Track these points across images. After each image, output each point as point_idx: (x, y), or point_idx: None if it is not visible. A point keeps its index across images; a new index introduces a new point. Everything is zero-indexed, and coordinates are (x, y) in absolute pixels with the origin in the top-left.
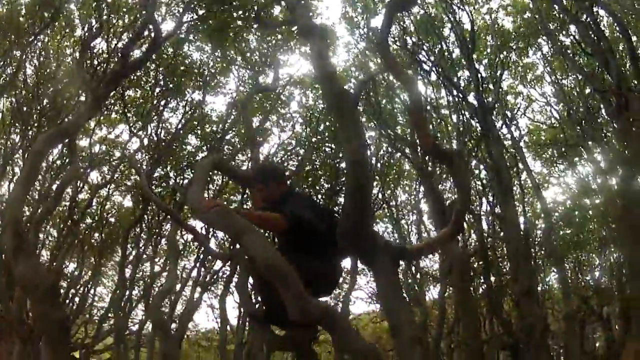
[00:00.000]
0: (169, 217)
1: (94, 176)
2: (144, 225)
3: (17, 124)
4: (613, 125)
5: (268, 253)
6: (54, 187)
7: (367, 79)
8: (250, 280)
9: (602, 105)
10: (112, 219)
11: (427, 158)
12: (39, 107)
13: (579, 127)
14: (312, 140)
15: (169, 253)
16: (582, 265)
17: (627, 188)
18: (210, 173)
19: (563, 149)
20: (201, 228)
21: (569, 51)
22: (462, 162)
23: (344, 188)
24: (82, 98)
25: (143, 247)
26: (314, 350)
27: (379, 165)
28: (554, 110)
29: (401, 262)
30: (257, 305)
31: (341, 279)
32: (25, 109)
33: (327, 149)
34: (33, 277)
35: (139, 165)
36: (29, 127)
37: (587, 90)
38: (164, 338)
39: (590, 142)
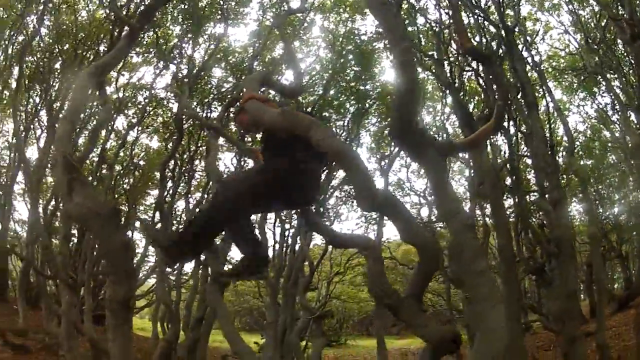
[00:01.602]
0: (199, 151)
1: (119, 123)
2: (177, 163)
3: (36, 85)
4: (629, 58)
5: (338, 142)
6: (80, 140)
7: None
8: None
9: (617, 38)
10: (142, 162)
11: (453, 73)
12: (57, 66)
13: (596, 57)
14: (336, 64)
15: (211, 177)
16: (602, 199)
17: None
18: None
19: (582, 77)
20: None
21: None
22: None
23: (369, 110)
24: (102, 47)
25: (176, 184)
26: None
27: None
28: (571, 39)
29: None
30: None
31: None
32: (42, 70)
33: (351, 73)
34: (93, 205)
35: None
36: (49, 87)
37: (604, 22)
38: (212, 260)
39: (608, 75)
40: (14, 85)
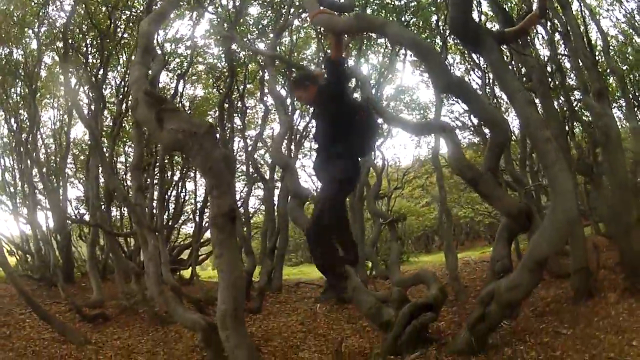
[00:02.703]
0: (247, 89)
1: (162, 78)
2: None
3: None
4: None
5: (413, 35)
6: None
7: None
8: None
9: None
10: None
11: None
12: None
13: None
14: None
15: (275, 103)
16: None
17: None
18: None
19: None
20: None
21: None
22: None
23: (410, 23)
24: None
25: (232, 122)
26: None
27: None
28: None
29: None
30: None
31: None
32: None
33: None
34: (189, 127)
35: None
36: (87, 63)
37: None
38: (290, 177)
39: None
40: (43, 73)
